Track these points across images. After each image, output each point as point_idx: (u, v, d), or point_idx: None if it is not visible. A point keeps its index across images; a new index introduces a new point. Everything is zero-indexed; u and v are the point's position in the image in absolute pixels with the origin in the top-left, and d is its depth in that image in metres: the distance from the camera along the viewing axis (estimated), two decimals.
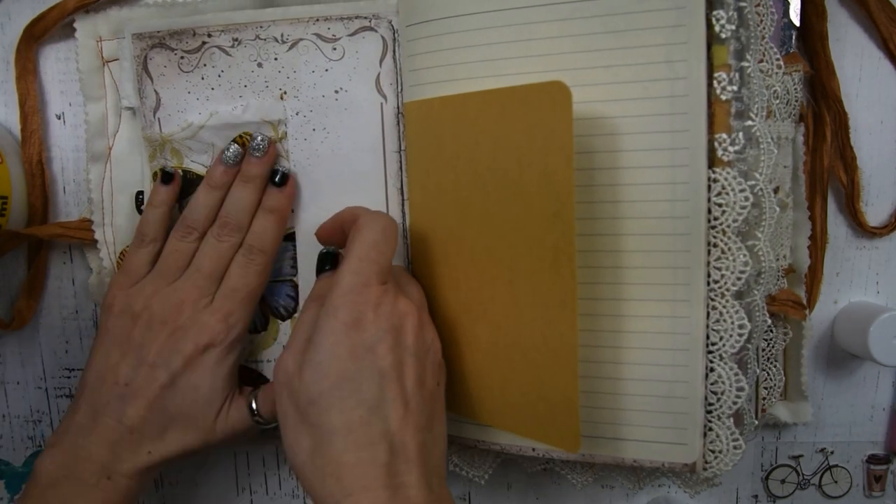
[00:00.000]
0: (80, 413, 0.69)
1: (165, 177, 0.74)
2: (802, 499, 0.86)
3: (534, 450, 0.70)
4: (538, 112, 0.58)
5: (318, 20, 0.72)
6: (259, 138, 0.72)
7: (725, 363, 0.64)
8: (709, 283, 0.63)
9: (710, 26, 0.60)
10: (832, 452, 0.84)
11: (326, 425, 0.58)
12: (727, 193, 0.61)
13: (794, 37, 0.72)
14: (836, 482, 0.85)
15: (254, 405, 0.72)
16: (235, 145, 0.72)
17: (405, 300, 0.64)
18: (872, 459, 0.84)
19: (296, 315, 0.77)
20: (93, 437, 0.68)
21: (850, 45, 0.77)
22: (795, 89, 0.72)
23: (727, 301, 0.63)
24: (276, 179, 0.73)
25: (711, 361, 0.64)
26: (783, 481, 0.85)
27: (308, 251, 0.75)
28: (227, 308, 0.71)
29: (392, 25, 0.71)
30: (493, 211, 0.63)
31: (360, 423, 0.58)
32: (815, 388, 0.83)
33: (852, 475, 0.85)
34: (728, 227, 0.62)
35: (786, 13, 0.72)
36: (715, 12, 0.60)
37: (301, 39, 0.72)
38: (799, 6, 0.72)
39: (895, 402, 0.83)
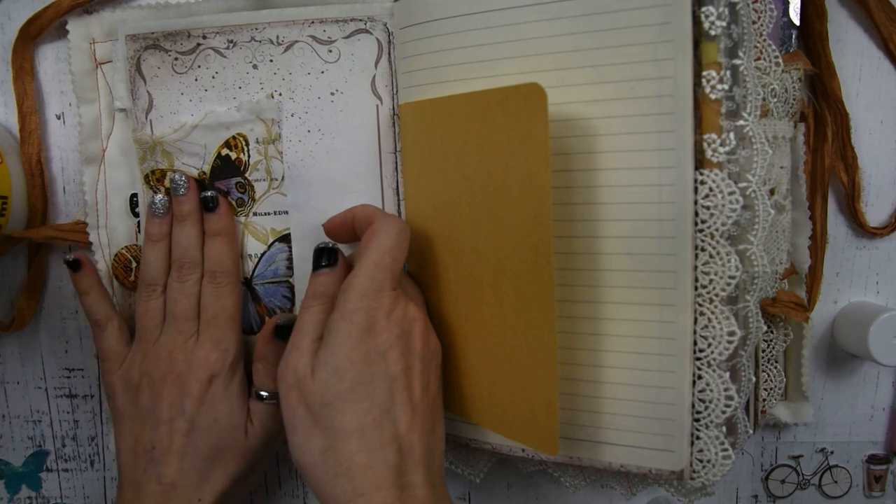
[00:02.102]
0: (125, 493, 0.71)
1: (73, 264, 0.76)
2: (802, 499, 0.86)
3: (523, 450, 0.71)
4: (517, 114, 0.58)
5: (313, 22, 0.72)
6: (176, 176, 0.74)
7: (714, 371, 0.62)
8: (696, 288, 0.62)
9: (698, 23, 0.58)
10: (832, 452, 0.84)
11: (341, 427, 0.60)
12: (715, 196, 0.59)
13: (794, 36, 0.72)
14: (836, 482, 0.85)
15: (262, 394, 0.74)
16: (160, 195, 0.74)
17: (414, 306, 0.65)
18: (872, 459, 0.84)
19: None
20: None
21: (850, 45, 0.76)
22: (795, 87, 0.71)
23: (716, 307, 0.61)
24: (209, 206, 0.74)
25: (699, 369, 0.63)
26: (783, 481, 0.85)
27: (303, 252, 0.75)
28: (214, 336, 0.73)
29: (387, 28, 0.71)
30: (479, 212, 0.64)
31: (373, 426, 0.60)
32: (815, 389, 0.83)
33: (852, 475, 0.85)
34: (716, 230, 0.60)
35: (785, 12, 0.71)
36: (704, 9, 0.58)
37: (296, 41, 0.72)
38: (799, 5, 0.72)
39: (895, 402, 0.83)
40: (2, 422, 0.86)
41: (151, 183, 0.75)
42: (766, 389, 0.76)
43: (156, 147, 0.74)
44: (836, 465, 0.85)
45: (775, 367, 0.76)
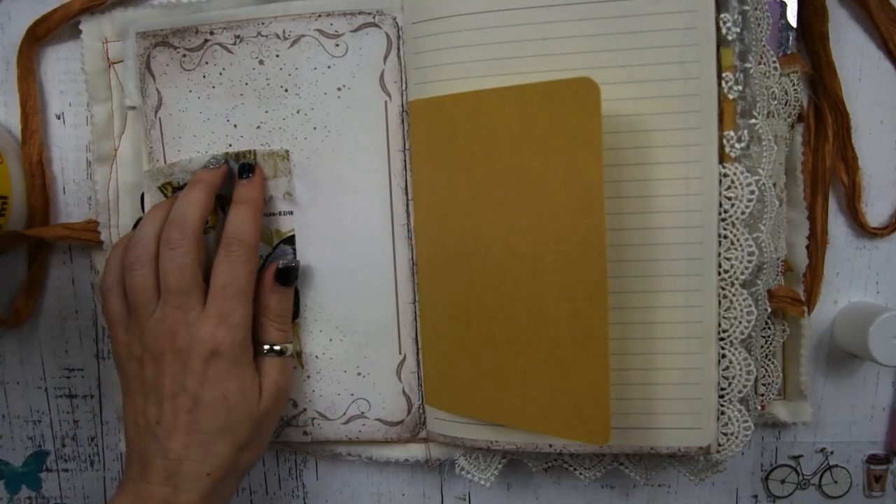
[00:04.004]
0: (132, 465, 0.69)
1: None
2: (802, 499, 0.86)
3: (550, 445, 0.71)
4: (565, 108, 0.60)
5: (320, 16, 0.71)
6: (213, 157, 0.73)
7: (736, 349, 0.67)
8: (720, 273, 0.66)
9: (717, 29, 0.63)
10: (832, 452, 0.84)
11: None
12: (736, 187, 0.64)
13: (791, 38, 0.73)
14: (836, 482, 0.85)
15: (265, 348, 0.72)
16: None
17: None
18: (872, 459, 0.84)
19: (297, 320, 0.77)
20: (149, 480, 0.67)
21: (850, 45, 0.77)
22: (795, 90, 0.72)
23: (736, 290, 0.66)
24: (244, 174, 0.73)
25: (723, 348, 0.67)
26: (783, 481, 0.85)
27: (308, 254, 0.75)
28: (221, 309, 0.68)
29: (396, 22, 0.71)
30: (513, 208, 0.64)
31: None
32: (815, 388, 0.83)
33: (852, 475, 0.85)
34: (737, 219, 0.65)
35: (783, 14, 0.72)
36: (722, 15, 0.63)
37: (303, 35, 0.71)
38: (795, 7, 0.73)
39: (895, 402, 0.83)
40: (2, 422, 0.86)
41: (167, 193, 0.75)
42: (764, 384, 0.76)
43: (173, 167, 0.74)
44: (836, 465, 0.85)
45: (773, 363, 0.76)
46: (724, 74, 0.64)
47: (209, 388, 0.67)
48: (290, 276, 0.72)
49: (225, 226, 0.71)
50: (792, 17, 0.73)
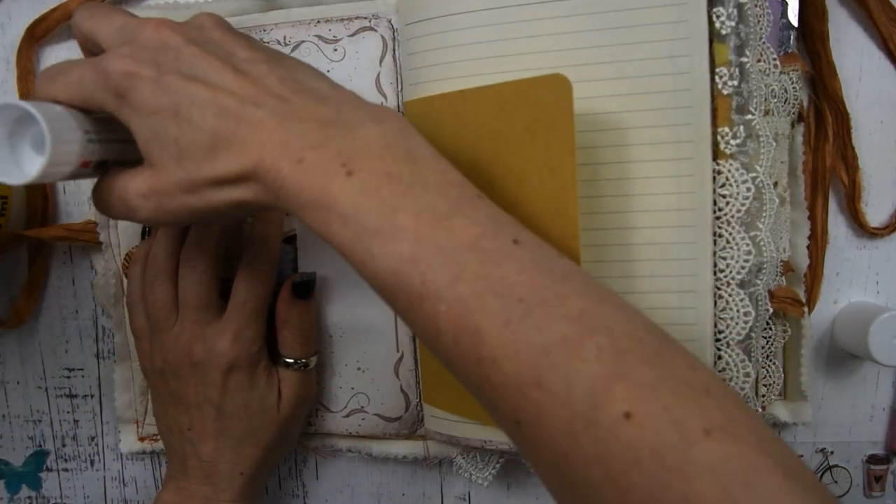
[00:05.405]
0: (172, 464, 0.75)
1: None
2: None
3: None
4: (539, 106, 0.59)
5: (319, 22, 0.72)
6: None
7: (732, 350, 0.66)
8: (715, 273, 0.65)
9: (710, 23, 0.62)
10: (832, 452, 0.84)
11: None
12: (731, 185, 0.63)
13: (792, 37, 0.72)
14: (836, 482, 0.85)
15: (289, 361, 0.74)
16: None
17: None
18: (872, 459, 0.84)
19: None
20: (189, 479, 0.73)
21: (850, 45, 0.76)
22: (794, 88, 0.72)
23: (733, 290, 0.65)
24: None
25: (719, 349, 0.66)
26: None
27: (309, 254, 0.75)
28: (238, 324, 0.71)
29: (391, 24, 0.71)
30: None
31: None
32: (815, 388, 0.82)
33: (852, 475, 0.85)
34: (732, 217, 0.64)
35: (784, 14, 0.72)
36: (715, 9, 0.62)
37: (303, 41, 0.72)
38: (797, 7, 0.72)
39: (895, 402, 0.83)
40: (2, 422, 0.86)
41: None
42: (765, 385, 0.76)
43: None
44: (836, 465, 0.85)
45: (774, 364, 0.76)
46: (718, 70, 0.63)
47: (230, 399, 0.72)
48: (306, 290, 0.73)
49: (247, 242, 0.71)
50: (793, 17, 0.72)
